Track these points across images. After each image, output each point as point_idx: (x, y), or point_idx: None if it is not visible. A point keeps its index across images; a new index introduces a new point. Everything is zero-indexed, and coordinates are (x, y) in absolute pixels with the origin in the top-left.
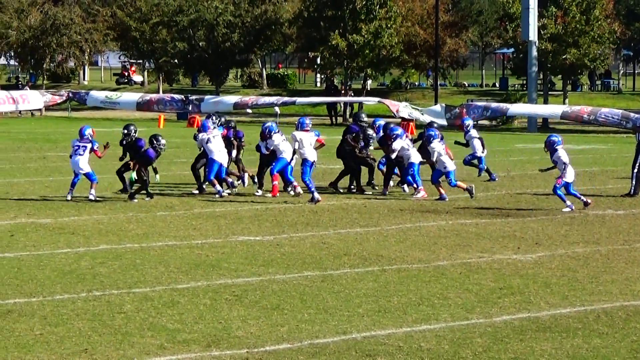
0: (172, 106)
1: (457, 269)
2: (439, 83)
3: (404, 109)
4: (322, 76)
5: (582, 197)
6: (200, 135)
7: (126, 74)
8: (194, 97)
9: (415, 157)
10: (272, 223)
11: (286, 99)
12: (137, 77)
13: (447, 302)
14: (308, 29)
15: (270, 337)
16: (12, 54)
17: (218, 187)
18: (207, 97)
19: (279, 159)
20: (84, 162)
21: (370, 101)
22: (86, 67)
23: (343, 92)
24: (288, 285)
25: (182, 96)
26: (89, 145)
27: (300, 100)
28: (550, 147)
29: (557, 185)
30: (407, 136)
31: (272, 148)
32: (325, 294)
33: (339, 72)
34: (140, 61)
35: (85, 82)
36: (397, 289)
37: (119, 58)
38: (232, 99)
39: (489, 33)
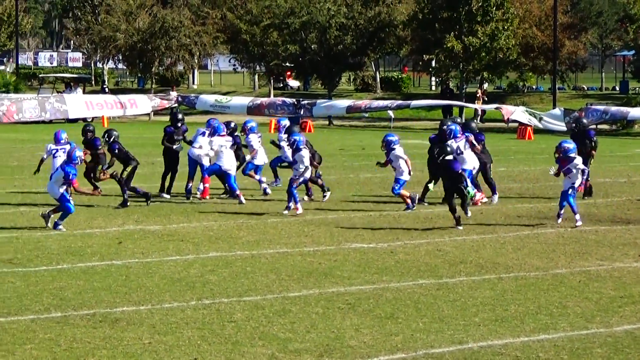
0: (283, 110)
1: (576, 277)
2: (557, 86)
3: (521, 114)
4: (437, 79)
5: None
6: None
7: (282, 78)
8: (305, 101)
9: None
10: (386, 230)
11: (400, 102)
12: (292, 82)
13: (566, 311)
14: (423, 31)
15: (384, 346)
16: (120, 58)
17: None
18: (319, 101)
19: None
20: None
21: (488, 107)
22: (195, 71)
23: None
24: (402, 294)
25: (294, 100)
26: None
27: (414, 103)
28: None
29: None
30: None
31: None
32: (441, 303)
33: (454, 75)
34: (251, 64)
35: (195, 86)
36: (515, 298)
37: (229, 62)
38: (344, 102)
39: (608, 35)
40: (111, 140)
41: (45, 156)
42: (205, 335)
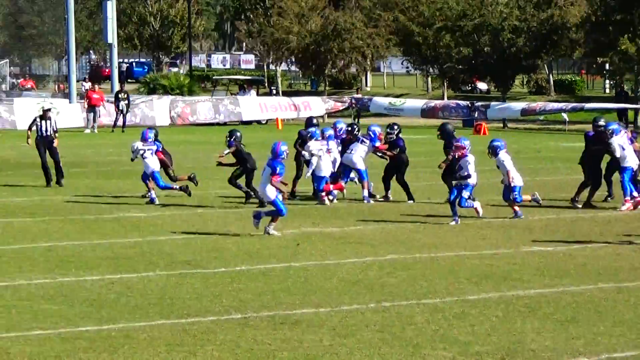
0: (457, 113)
1: None
2: None
3: None
4: (611, 82)
5: None
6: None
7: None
8: (479, 103)
9: (632, 160)
10: (564, 233)
11: (574, 104)
12: (481, 85)
13: None
14: (596, 33)
15: (565, 350)
16: (293, 60)
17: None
18: (493, 103)
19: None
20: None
21: None
22: (368, 73)
23: None
24: (582, 297)
25: (468, 102)
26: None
27: (588, 106)
28: None
29: None
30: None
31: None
32: (621, 307)
33: (629, 78)
34: (424, 67)
35: (368, 88)
36: None
37: (402, 64)
38: (519, 105)
39: None
40: (232, 139)
41: (133, 157)
42: (386, 337)
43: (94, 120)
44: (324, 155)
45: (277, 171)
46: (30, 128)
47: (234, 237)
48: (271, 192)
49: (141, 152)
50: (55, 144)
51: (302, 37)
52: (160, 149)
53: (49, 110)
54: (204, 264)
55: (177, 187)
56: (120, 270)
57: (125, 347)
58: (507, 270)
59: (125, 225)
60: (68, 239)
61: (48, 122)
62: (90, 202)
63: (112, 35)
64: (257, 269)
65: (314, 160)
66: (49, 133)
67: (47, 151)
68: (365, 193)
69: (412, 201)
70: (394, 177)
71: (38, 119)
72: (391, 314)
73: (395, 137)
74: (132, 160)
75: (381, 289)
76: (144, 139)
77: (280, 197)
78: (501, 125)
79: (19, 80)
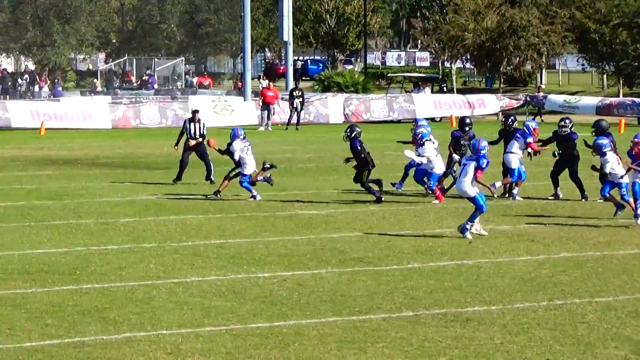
0: (632, 110)
1: None
2: None
3: None
4: None
5: None
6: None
7: None
8: None
9: None
10: None
11: None
12: None
13: None
14: None
15: None
16: (468, 57)
17: None
18: None
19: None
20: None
21: None
22: (543, 70)
23: None
24: None
25: None
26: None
27: None
28: None
29: None
30: None
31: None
32: None
33: None
34: (600, 64)
35: (543, 86)
36: None
37: (577, 61)
38: None
39: None
40: (352, 136)
41: (237, 157)
42: (557, 336)
43: (268, 118)
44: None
45: (483, 166)
46: (181, 132)
47: (406, 236)
48: (472, 189)
49: (245, 150)
50: (208, 144)
51: (477, 35)
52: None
53: (197, 112)
54: (376, 262)
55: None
56: (293, 267)
57: (295, 343)
58: None
59: (298, 223)
60: (240, 236)
61: (197, 124)
62: (263, 200)
63: (287, 33)
64: (429, 266)
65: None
66: (197, 135)
67: (193, 153)
68: (515, 191)
69: (585, 199)
70: (566, 174)
71: (187, 121)
72: (563, 312)
73: (569, 131)
74: (236, 159)
75: (553, 287)
76: (237, 137)
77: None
78: None
79: (195, 78)
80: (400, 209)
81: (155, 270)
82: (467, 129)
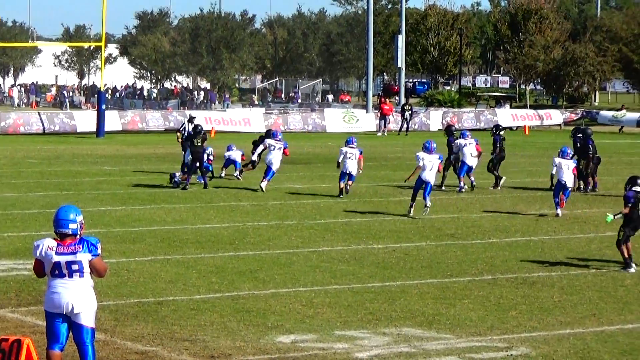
0: None
1: None
2: None
3: None
4: None
5: None
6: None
7: None
8: None
9: None
10: None
11: None
12: None
13: None
14: None
15: None
16: (539, 81)
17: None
18: None
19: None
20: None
21: None
22: (597, 92)
23: None
24: None
25: None
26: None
27: None
28: None
29: None
30: None
31: None
32: None
33: None
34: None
35: (596, 103)
36: None
37: (623, 84)
38: None
39: None
40: (497, 131)
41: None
42: (602, 296)
43: (384, 126)
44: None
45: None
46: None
47: (488, 216)
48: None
49: (272, 147)
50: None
51: (546, 64)
52: (286, 147)
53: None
54: (464, 237)
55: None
56: (400, 240)
57: (401, 299)
58: None
59: (404, 206)
60: (362, 216)
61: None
62: (379, 187)
63: (401, 61)
64: (505, 241)
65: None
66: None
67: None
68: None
69: None
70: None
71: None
72: (607, 278)
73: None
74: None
75: (600, 259)
76: (273, 136)
77: None
78: None
79: (331, 95)
80: (483, 197)
81: (295, 242)
82: (453, 134)
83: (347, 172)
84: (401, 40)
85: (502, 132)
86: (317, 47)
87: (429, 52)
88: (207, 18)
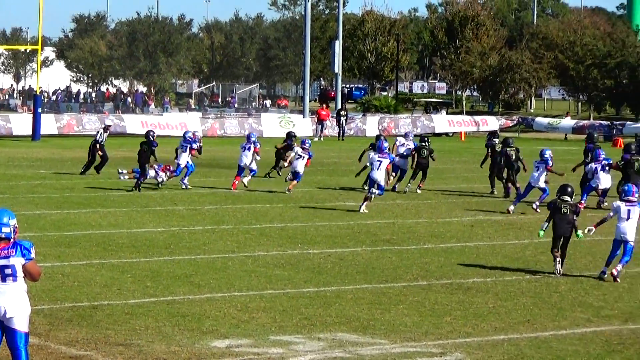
0: (600, 130)
1: None
2: None
3: None
4: None
5: None
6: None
7: None
8: (617, 122)
9: None
10: None
11: None
12: None
13: None
14: None
15: None
16: (475, 87)
17: None
18: (627, 123)
19: None
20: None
21: None
22: (532, 98)
23: None
24: None
25: (608, 122)
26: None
27: None
28: None
29: None
30: None
31: None
32: None
33: None
34: (575, 94)
35: (532, 110)
36: None
37: (559, 92)
38: None
39: None
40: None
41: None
42: (537, 302)
43: (321, 131)
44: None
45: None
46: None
47: (423, 222)
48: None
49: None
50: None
51: (483, 70)
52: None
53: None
54: (400, 242)
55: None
56: (336, 246)
57: (336, 304)
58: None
59: (340, 212)
60: (297, 221)
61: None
62: (315, 192)
63: (338, 66)
64: (440, 247)
65: None
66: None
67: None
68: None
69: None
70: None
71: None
72: (541, 284)
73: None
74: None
75: (535, 265)
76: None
77: None
78: (634, 139)
79: (274, 100)
80: (419, 202)
81: (230, 246)
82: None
83: (294, 170)
84: (338, 45)
85: (496, 140)
86: (254, 52)
87: (365, 57)
88: (144, 22)
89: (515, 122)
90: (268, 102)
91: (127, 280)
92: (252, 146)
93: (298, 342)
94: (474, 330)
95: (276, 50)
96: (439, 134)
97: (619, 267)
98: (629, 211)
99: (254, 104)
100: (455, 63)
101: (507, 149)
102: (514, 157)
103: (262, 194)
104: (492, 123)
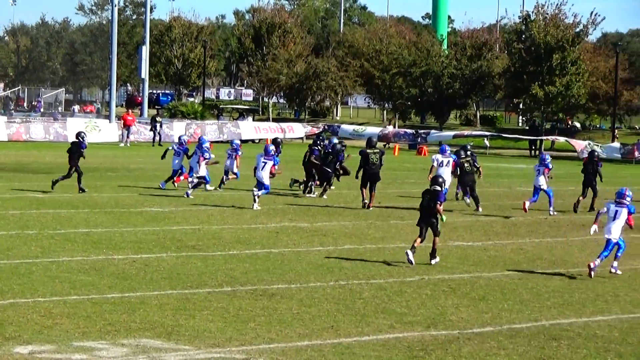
0: (405, 138)
1: (626, 273)
2: (616, 126)
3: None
4: (524, 118)
5: None
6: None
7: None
8: (422, 131)
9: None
10: (480, 232)
11: (494, 133)
12: (577, 123)
13: (618, 299)
14: (514, 80)
15: (477, 321)
16: (282, 94)
17: None
18: (432, 131)
19: None
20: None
21: (560, 139)
22: (339, 106)
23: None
24: (492, 281)
25: (413, 130)
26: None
27: (505, 135)
28: None
29: None
30: None
31: None
32: (521, 289)
33: (537, 115)
34: (381, 102)
35: (338, 118)
36: (578, 287)
37: (364, 100)
38: (451, 133)
39: None
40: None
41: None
42: (340, 308)
43: (127, 137)
44: None
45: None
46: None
47: (229, 228)
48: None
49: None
50: None
51: (289, 77)
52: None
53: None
54: (205, 248)
55: None
56: (141, 251)
57: (141, 310)
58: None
59: (146, 217)
60: (102, 226)
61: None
62: (121, 198)
63: (144, 72)
64: (245, 253)
65: None
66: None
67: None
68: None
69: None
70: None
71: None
72: (345, 290)
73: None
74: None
75: (339, 271)
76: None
77: None
78: (438, 148)
79: (81, 106)
80: (224, 209)
81: (34, 251)
82: (279, 146)
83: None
84: (145, 51)
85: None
86: (60, 56)
87: (173, 63)
88: None
89: (321, 129)
90: (77, 107)
91: None
92: (234, 154)
93: (102, 348)
94: (278, 337)
95: (83, 54)
96: (245, 141)
97: (615, 263)
98: (616, 212)
99: (60, 108)
100: (262, 70)
101: (460, 160)
102: (469, 168)
103: (68, 197)
104: (298, 130)
